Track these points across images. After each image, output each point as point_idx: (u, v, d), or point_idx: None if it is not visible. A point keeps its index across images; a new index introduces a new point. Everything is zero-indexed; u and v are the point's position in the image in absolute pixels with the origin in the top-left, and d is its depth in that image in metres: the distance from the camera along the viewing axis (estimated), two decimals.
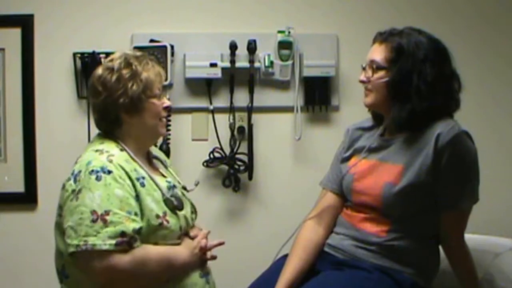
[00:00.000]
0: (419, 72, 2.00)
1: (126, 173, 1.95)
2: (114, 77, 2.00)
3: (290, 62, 2.88)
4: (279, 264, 2.16)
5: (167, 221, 1.99)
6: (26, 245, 2.81)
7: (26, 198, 2.83)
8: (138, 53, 2.10)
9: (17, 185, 2.82)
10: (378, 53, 2.07)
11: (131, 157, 2.02)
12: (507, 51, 3.01)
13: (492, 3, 3.01)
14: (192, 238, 2.09)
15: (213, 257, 2.11)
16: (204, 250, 2.08)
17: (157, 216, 1.97)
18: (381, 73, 2.05)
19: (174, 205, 2.02)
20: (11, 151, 2.82)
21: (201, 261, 2.07)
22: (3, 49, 2.80)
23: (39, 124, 2.83)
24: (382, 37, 2.09)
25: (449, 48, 2.08)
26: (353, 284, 1.97)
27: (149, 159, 2.17)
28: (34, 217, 2.83)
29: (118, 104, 2.00)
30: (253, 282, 2.16)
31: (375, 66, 2.06)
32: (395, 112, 2.03)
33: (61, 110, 2.84)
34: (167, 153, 2.80)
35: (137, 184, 1.96)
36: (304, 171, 2.94)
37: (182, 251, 2.03)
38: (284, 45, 2.87)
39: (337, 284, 1.97)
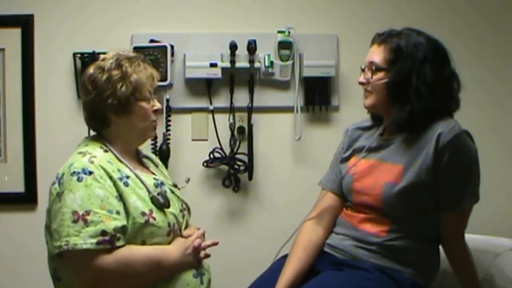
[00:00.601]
0: (418, 73, 2.00)
1: (107, 173, 1.95)
2: (104, 77, 2.01)
3: (290, 62, 2.88)
4: (279, 264, 2.16)
5: (154, 218, 1.98)
6: (26, 245, 2.81)
7: (26, 198, 2.82)
8: (132, 54, 2.10)
9: (17, 185, 2.82)
10: (377, 55, 2.07)
11: (116, 157, 2.03)
12: (507, 51, 3.01)
13: (491, 3, 3.01)
14: (186, 237, 2.08)
15: (206, 256, 2.10)
16: (197, 250, 2.06)
17: (143, 214, 1.96)
18: (380, 75, 2.05)
19: (160, 203, 2.02)
20: (11, 151, 2.82)
21: (195, 260, 2.06)
22: (3, 49, 2.80)
23: (39, 124, 2.83)
24: (380, 38, 2.09)
25: (449, 48, 2.08)
26: (353, 284, 1.97)
27: (139, 158, 2.17)
28: (34, 217, 2.83)
29: (106, 104, 2.00)
30: (253, 282, 2.16)
31: (374, 68, 2.06)
32: (395, 113, 2.03)
33: (61, 110, 2.84)
34: (167, 153, 2.80)
35: (120, 184, 1.96)
36: (304, 171, 2.94)
37: (172, 251, 2.02)
38: (284, 45, 2.87)
39: (337, 284, 1.97)
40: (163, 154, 2.79)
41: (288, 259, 2.14)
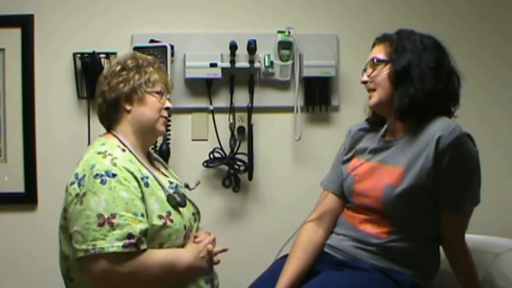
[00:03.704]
0: (421, 59, 2.02)
1: (132, 173, 1.95)
2: (119, 67, 2.08)
3: (290, 62, 2.87)
4: (279, 265, 2.16)
5: (171, 221, 1.99)
6: (26, 245, 2.81)
7: (26, 198, 2.82)
8: (149, 57, 2.17)
9: (17, 185, 2.81)
10: (379, 51, 2.09)
11: (134, 155, 2.03)
12: (506, 52, 3.01)
13: (491, 5, 3.01)
14: (197, 242, 2.09)
15: (218, 261, 2.13)
16: (211, 254, 2.09)
17: (160, 217, 1.96)
18: (382, 67, 2.06)
19: (177, 201, 2.02)
20: (11, 151, 2.82)
21: (208, 265, 2.08)
22: (3, 49, 2.80)
23: (39, 124, 2.82)
24: (380, 39, 2.12)
25: (447, 48, 2.09)
26: (352, 285, 1.97)
27: (150, 160, 2.17)
28: (34, 217, 2.83)
29: (118, 89, 2.05)
30: (253, 282, 2.16)
31: (376, 60, 2.07)
32: (397, 99, 2.02)
33: (61, 110, 2.84)
34: (167, 153, 2.80)
35: (142, 185, 1.97)
36: (304, 171, 2.94)
37: (186, 254, 2.03)
38: (284, 45, 2.87)
39: (337, 284, 1.97)
40: (163, 154, 2.78)
41: (288, 259, 2.14)
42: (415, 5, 2.97)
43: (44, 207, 2.80)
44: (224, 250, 2.15)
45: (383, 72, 2.06)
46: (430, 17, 2.92)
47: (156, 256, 1.96)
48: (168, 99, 2.16)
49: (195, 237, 2.11)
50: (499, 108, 3.02)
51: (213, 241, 2.15)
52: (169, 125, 2.82)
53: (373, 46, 2.14)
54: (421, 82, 1.99)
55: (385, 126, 2.11)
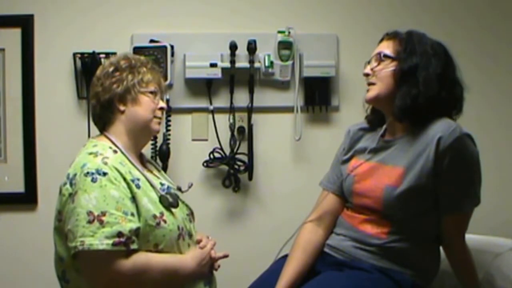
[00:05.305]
0: (429, 64, 2.00)
1: (121, 174, 1.95)
2: (112, 68, 2.08)
3: (290, 62, 2.87)
4: (278, 265, 2.16)
5: (165, 221, 1.99)
6: (26, 245, 2.81)
7: (26, 198, 2.82)
8: (142, 58, 2.17)
9: (17, 185, 2.82)
10: (387, 46, 2.08)
11: (125, 156, 2.03)
12: (503, 55, 3.00)
13: (488, 8, 3.00)
14: (201, 247, 2.10)
15: (218, 267, 2.15)
16: (213, 260, 2.10)
17: (154, 216, 1.96)
18: (388, 63, 2.05)
19: (169, 202, 2.02)
20: (11, 151, 2.82)
21: (209, 271, 2.09)
22: (3, 49, 2.80)
23: (39, 124, 2.83)
24: (390, 35, 2.10)
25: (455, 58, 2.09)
26: (353, 285, 1.97)
27: (143, 162, 2.17)
28: (34, 217, 2.83)
29: (112, 89, 2.05)
30: (253, 282, 2.16)
31: (382, 55, 2.05)
32: (400, 98, 2.00)
33: (61, 110, 2.84)
34: (167, 153, 2.80)
35: (133, 186, 1.96)
36: (304, 171, 2.94)
37: (190, 262, 2.03)
38: (284, 45, 2.87)
39: (337, 284, 1.97)
40: (163, 154, 2.79)
41: (288, 259, 2.14)
42: (415, 6, 2.97)
43: (44, 207, 2.80)
44: (225, 256, 2.16)
45: (388, 68, 2.04)
46: (428, 19, 2.91)
47: (159, 260, 1.96)
48: (167, 100, 2.16)
49: (198, 241, 2.11)
50: (498, 108, 3.01)
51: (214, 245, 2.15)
52: (169, 125, 2.83)
53: (381, 40, 2.12)
54: (425, 86, 1.98)
55: (384, 126, 2.11)
